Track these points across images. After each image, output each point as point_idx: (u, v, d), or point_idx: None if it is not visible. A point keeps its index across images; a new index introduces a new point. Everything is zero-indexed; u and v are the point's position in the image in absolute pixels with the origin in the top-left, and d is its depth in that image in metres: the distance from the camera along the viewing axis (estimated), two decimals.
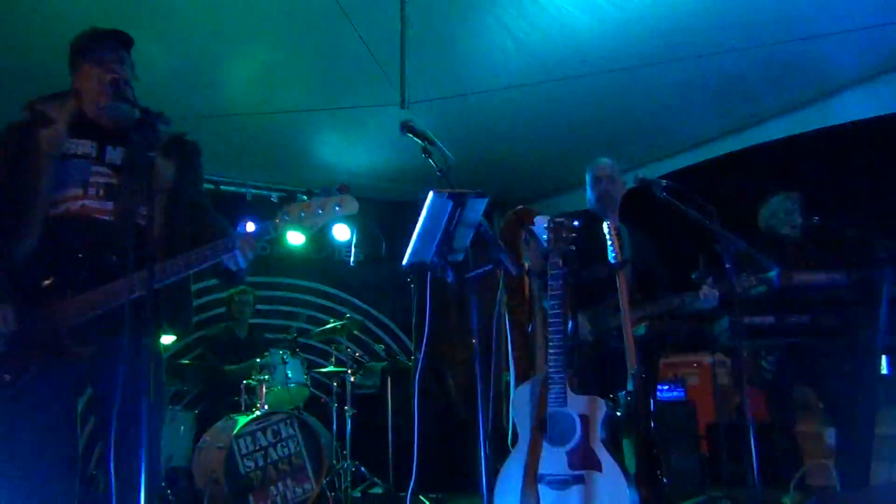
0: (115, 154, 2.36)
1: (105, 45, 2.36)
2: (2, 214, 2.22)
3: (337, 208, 2.25)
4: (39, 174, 2.21)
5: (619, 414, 2.76)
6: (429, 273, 2.30)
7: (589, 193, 3.66)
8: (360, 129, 5.51)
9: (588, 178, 3.67)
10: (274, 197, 6.14)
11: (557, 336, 2.65)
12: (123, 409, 2.01)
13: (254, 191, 6.23)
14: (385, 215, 6.64)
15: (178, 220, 2.37)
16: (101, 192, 2.29)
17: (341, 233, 6.58)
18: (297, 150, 5.75)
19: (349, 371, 5.36)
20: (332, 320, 5.52)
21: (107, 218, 2.28)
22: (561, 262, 2.71)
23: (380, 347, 6.71)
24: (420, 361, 5.24)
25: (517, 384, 2.92)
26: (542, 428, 2.63)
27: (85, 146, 2.32)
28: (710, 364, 4.96)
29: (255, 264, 6.46)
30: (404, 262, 2.32)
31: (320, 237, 6.60)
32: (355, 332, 5.95)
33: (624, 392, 2.81)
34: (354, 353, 5.94)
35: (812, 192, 4.51)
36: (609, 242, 2.98)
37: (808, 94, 4.91)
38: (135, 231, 2.23)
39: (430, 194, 2.24)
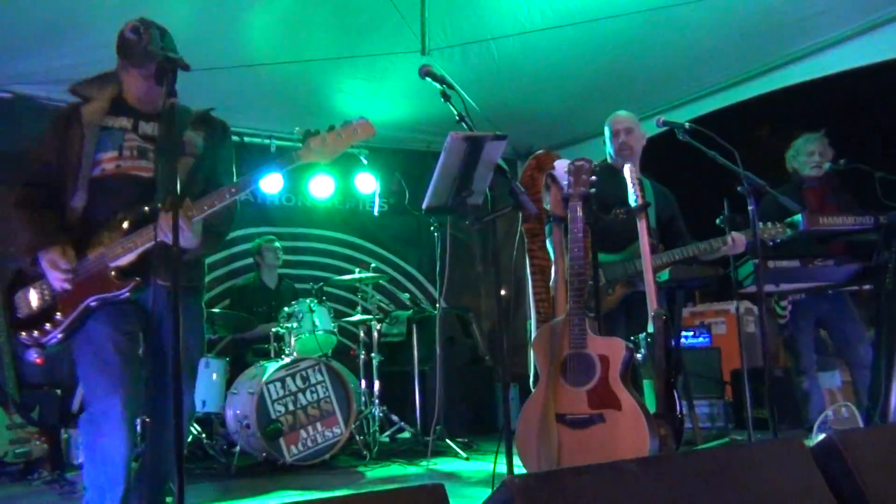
0: (148, 127, 2.54)
1: (147, 56, 2.43)
2: (57, 179, 2.46)
3: (357, 132, 2.31)
4: (83, 141, 2.41)
5: (639, 356, 2.78)
6: (448, 216, 2.31)
7: (608, 147, 3.62)
8: (382, 77, 5.48)
9: (606, 131, 3.63)
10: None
11: (578, 279, 2.67)
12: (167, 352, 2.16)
13: (278, 142, 6.26)
14: (409, 165, 6.65)
15: (195, 185, 2.50)
16: (136, 152, 2.48)
17: (365, 184, 6.62)
18: (319, 100, 5.74)
19: (375, 320, 5.45)
20: (358, 270, 5.57)
21: (144, 174, 2.47)
22: (581, 204, 2.71)
23: (406, 296, 6.78)
24: (441, 308, 5.32)
25: (538, 328, 2.95)
26: (562, 368, 2.67)
27: (121, 121, 2.51)
28: (735, 311, 4.96)
29: (281, 216, 6.59)
30: (423, 205, 2.34)
31: (345, 188, 6.67)
32: (381, 281, 6.02)
33: (644, 334, 2.82)
34: (381, 302, 6.01)
35: (839, 132, 4.42)
36: (630, 186, 2.97)
37: (835, 36, 4.77)
38: (166, 183, 2.38)
39: (448, 137, 2.25)
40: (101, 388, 2.32)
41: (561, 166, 2.88)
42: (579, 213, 2.71)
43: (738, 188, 3.11)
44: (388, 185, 6.68)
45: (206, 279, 2.79)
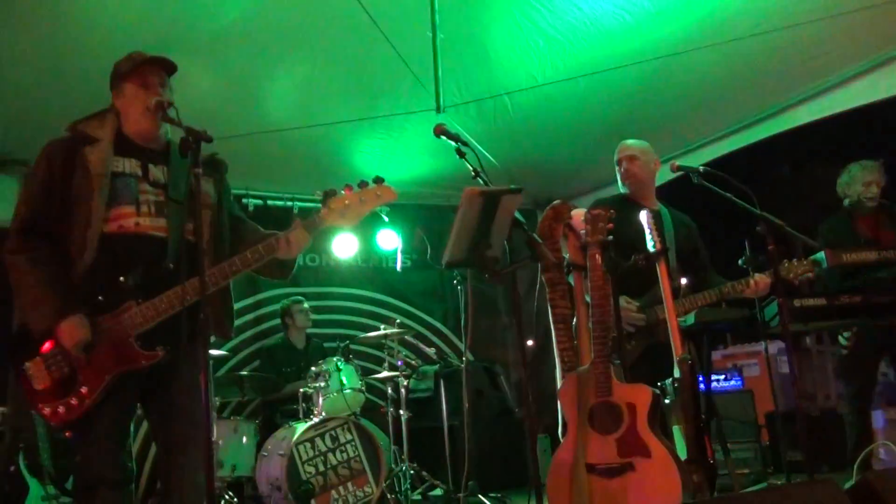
0: (157, 172, 2.49)
1: (149, 69, 2.50)
2: (58, 228, 2.34)
3: (379, 196, 2.37)
4: (93, 193, 2.32)
5: (667, 402, 2.76)
6: (468, 271, 2.36)
7: (618, 178, 3.65)
8: (400, 135, 5.59)
9: (616, 164, 3.66)
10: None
11: (600, 327, 2.67)
12: (181, 410, 2.14)
13: (300, 203, 6.39)
14: (429, 220, 6.73)
15: (222, 234, 2.52)
16: (153, 209, 2.43)
17: (387, 240, 6.72)
18: (340, 161, 5.87)
19: (402, 375, 5.44)
20: (383, 326, 5.59)
21: (160, 234, 2.41)
22: (599, 252, 2.74)
23: (432, 351, 6.78)
24: (467, 361, 5.31)
25: (563, 378, 2.95)
26: (590, 417, 2.66)
27: (130, 164, 2.45)
28: (765, 352, 4.89)
29: (307, 276, 6.64)
30: (443, 260, 2.38)
31: (367, 246, 6.77)
32: (407, 336, 6.03)
33: (671, 380, 2.81)
34: (407, 357, 6.01)
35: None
36: (647, 232, 2.99)
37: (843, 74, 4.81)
38: (185, 246, 2.38)
39: (464, 193, 2.30)
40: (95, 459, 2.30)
41: (578, 215, 2.91)
42: (598, 261, 2.73)
43: (757, 228, 3.12)
44: (409, 241, 6.76)
45: (234, 342, 2.82)
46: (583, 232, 2.81)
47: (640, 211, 3.22)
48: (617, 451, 2.58)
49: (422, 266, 6.88)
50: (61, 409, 2.28)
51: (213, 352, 4.87)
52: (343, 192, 2.42)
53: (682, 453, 2.70)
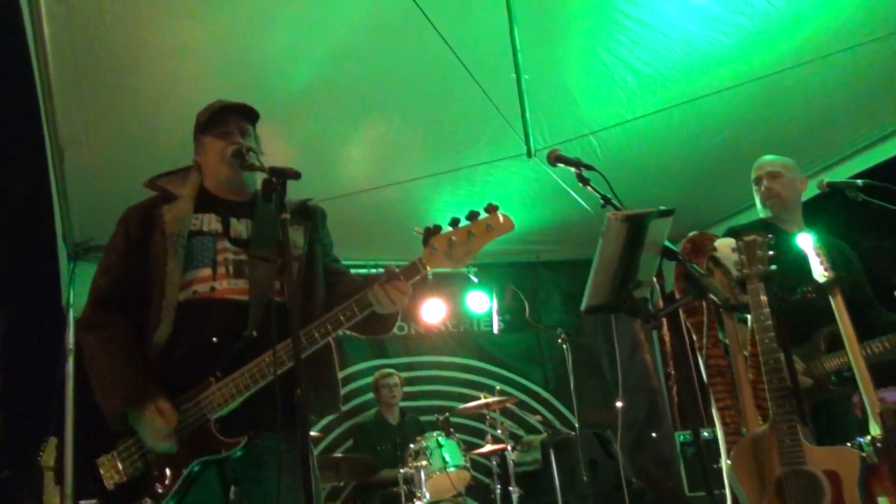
0: (240, 227, 2.21)
1: (226, 118, 2.25)
2: (136, 301, 2.11)
3: (489, 227, 1.98)
4: (166, 257, 2.07)
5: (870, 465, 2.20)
6: (613, 316, 1.91)
7: (756, 200, 3.17)
8: (484, 188, 5.30)
9: (753, 184, 3.17)
10: None
11: (776, 377, 2.16)
12: None
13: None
14: (520, 278, 6.39)
15: (313, 290, 2.18)
16: (231, 269, 2.12)
17: (478, 302, 6.37)
18: (421, 220, 5.55)
19: (508, 448, 4.97)
20: (481, 395, 5.16)
21: (240, 298, 2.09)
22: (763, 286, 2.25)
23: (536, 419, 6.26)
24: (580, 429, 4.80)
25: (727, 441, 2.43)
26: (777, 491, 2.12)
27: (210, 221, 2.19)
28: None
29: (394, 346, 6.31)
30: (582, 305, 1.95)
31: (456, 310, 6.43)
32: (508, 405, 5.59)
33: (870, 437, 2.25)
34: (511, 427, 5.55)
35: None
36: (814, 258, 2.48)
37: None
38: (272, 308, 2.02)
39: (606, 219, 1.88)
40: None
41: (725, 245, 2.44)
42: (762, 296, 2.24)
43: None
44: (501, 301, 6.34)
45: (325, 420, 2.40)
46: (734, 263, 2.33)
47: (785, 237, 2.73)
48: None
49: (515, 327, 6.45)
50: None
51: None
52: (448, 227, 2.04)
53: None
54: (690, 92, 4.42)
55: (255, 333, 2.01)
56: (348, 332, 2.20)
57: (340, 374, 6.06)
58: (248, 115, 2.29)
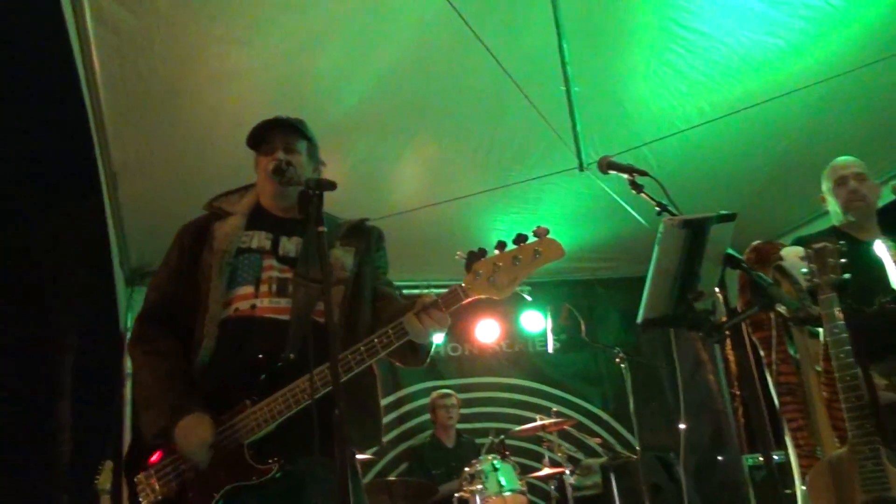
0: (289, 245, 2.16)
1: (270, 133, 2.22)
2: (183, 315, 2.08)
3: (537, 253, 1.84)
4: (212, 274, 2.05)
5: None
6: (673, 334, 1.79)
7: (832, 205, 2.96)
8: (537, 205, 5.22)
9: (826, 185, 2.99)
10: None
11: (854, 395, 2.00)
12: None
13: (437, 290, 6.00)
14: (576, 296, 6.24)
15: (358, 314, 2.10)
16: (274, 288, 2.07)
17: (533, 322, 6.24)
18: (472, 240, 5.48)
19: (566, 471, 4.82)
20: (538, 417, 5.02)
21: (280, 317, 2.03)
22: (836, 296, 2.09)
23: (595, 442, 6.07)
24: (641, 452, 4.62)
25: (801, 465, 2.26)
26: None
27: (260, 238, 2.16)
28: None
29: (449, 367, 6.22)
30: (638, 318, 1.83)
31: (511, 329, 6.34)
32: (566, 427, 5.43)
33: None
34: (569, 450, 5.38)
35: None
36: (892, 266, 2.31)
37: None
38: (311, 329, 1.96)
39: (662, 225, 1.76)
40: None
41: (792, 255, 2.29)
42: (836, 307, 2.08)
43: None
44: (556, 320, 6.20)
45: None
46: (803, 273, 2.17)
47: (859, 245, 2.56)
48: None
49: (572, 347, 6.28)
50: None
51: (358, 455, 4.43)
52: (494, 251, 1.93)
53: None
54: (748, 99, 4.28)
55: (292, 356, 1.95)
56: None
57: (394, 397, 6.01)
58: (295, 129, 2.25)
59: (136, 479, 1.99)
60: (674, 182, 5.18)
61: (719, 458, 6.01)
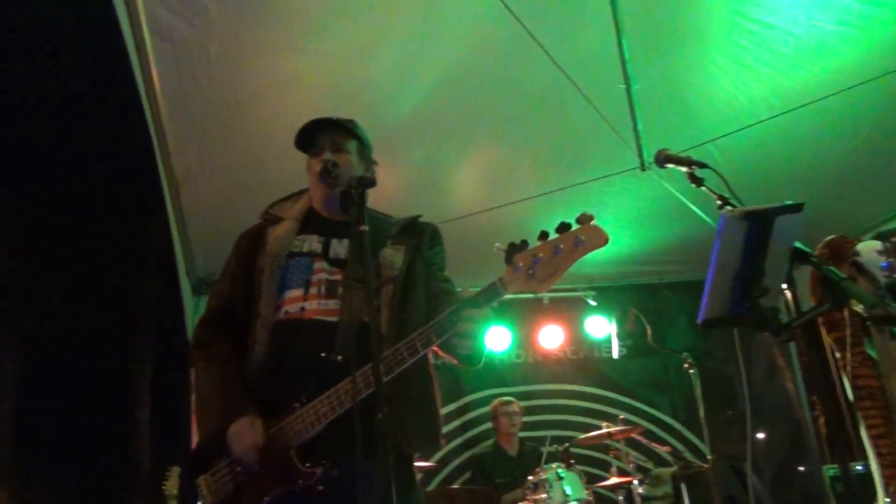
0: (340, 247, 2.15)
1: (317, 135, 2.21)
2: (240, 319, 2.10)
3: (578, 241, 1.74)
4: (263, 278, 2.07)
5: None
6: (743, 337, 1.67)
7: None
8: (599, 208, 5.07)
9: None
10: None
11: None
12: None
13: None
14: (642, 301, 6.07)
15: (408, 313, 2.04)
16: (323, 290, 2.06)
17: (597, 327, 6.15)
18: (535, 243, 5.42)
19: (635, 481, 4.68)
20: (604, 424, 4.88)
21: (329, 319, 2.01)
22: None
23: (664, 450, 5.87)
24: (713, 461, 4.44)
25: (885, 476, 2.10)
26: None
27: (311, 242, 2.16)
28: None
29: (513, 374, 6.13)
30: (699, 317, 1.72)
31: (575, 335, 6.23)
32: (634, 435, 5.27)
33: None
34: (637, 459, 5.22)
35: None
36: None
37: None
38: (360, 330, 1.91)
39: (721, 218, 1.66)
40: None
41: (869, 250, 2.14)
42: None
43: None
44: (622, 326, 6.04)
45: (443, 451, 2.23)
46: (883, 268, 2.02)
47: None
48: None
49: (639, 352, 6.11)
50: None
51: (420, 463, 4.40)
52: (538, 242, 1.84)
53: None
54: (819, 90, 4.10)
55: (339, 358, 1.91)
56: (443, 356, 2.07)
57: (456, 404, 5.94)
58: (342, 128, 2.23)
59: (196, 482, 2.01)
60: (742, 179, 4.99)
61: (800, 468, 5.75)
